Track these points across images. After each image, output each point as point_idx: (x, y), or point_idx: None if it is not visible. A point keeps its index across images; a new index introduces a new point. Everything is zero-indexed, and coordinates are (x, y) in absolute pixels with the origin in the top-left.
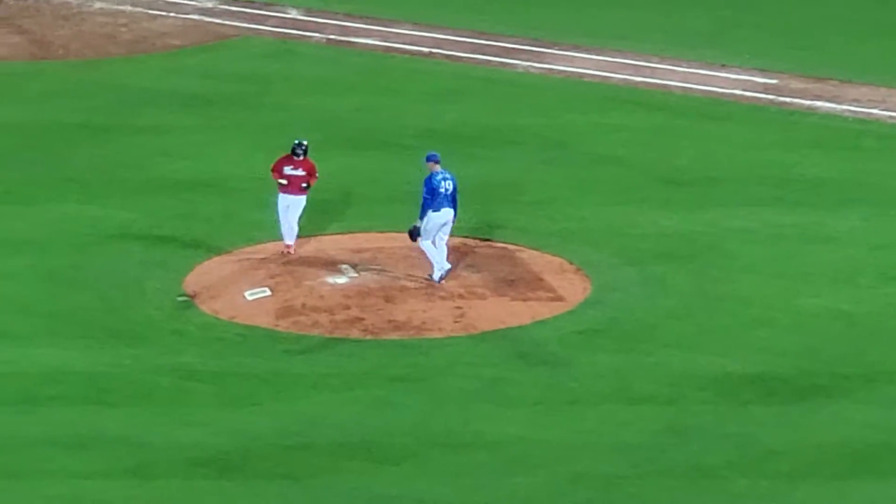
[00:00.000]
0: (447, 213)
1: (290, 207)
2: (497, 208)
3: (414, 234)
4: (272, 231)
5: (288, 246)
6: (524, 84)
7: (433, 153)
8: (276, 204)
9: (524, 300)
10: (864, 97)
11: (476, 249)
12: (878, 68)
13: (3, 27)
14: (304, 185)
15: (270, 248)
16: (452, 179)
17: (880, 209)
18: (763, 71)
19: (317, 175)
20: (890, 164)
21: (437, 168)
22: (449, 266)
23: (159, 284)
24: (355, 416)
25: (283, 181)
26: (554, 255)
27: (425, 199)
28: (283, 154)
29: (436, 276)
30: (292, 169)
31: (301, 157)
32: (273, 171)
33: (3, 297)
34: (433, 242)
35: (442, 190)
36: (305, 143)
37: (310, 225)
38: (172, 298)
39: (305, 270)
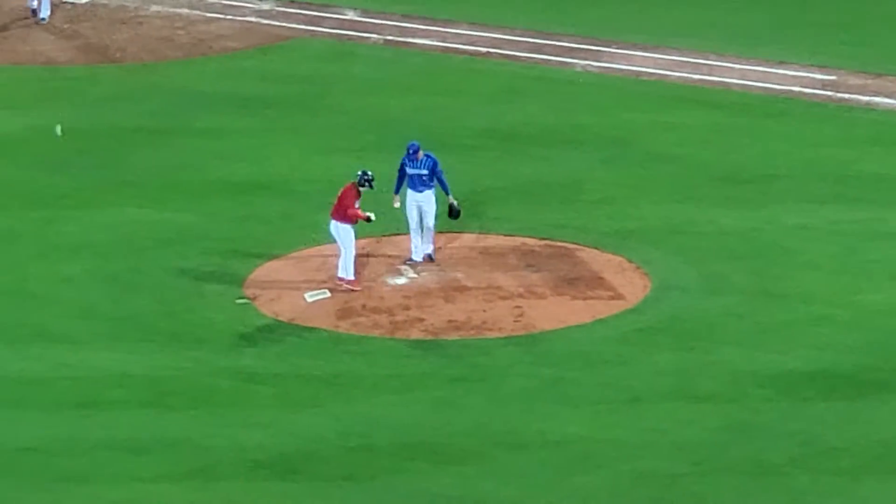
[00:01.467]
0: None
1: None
2: (556, 208)
3: (454, 212)
4: (330, 233)
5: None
6: (582, 83)
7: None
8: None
9: (584, 299)
10: None
11: (535, 249)
12: None
13: (60, 33)
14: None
15: (329, 249)
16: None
17: None
18: (821, 67)
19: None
20: None
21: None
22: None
23: (219, 287)
24: (416, 417)
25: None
26: (614, 253)
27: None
28: (350, 186)
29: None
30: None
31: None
32: (352, 210)
33: (63, 302)
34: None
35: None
36: (370, 173)
37: (369, 225)
38: (232, 301)
39: (365, 271)
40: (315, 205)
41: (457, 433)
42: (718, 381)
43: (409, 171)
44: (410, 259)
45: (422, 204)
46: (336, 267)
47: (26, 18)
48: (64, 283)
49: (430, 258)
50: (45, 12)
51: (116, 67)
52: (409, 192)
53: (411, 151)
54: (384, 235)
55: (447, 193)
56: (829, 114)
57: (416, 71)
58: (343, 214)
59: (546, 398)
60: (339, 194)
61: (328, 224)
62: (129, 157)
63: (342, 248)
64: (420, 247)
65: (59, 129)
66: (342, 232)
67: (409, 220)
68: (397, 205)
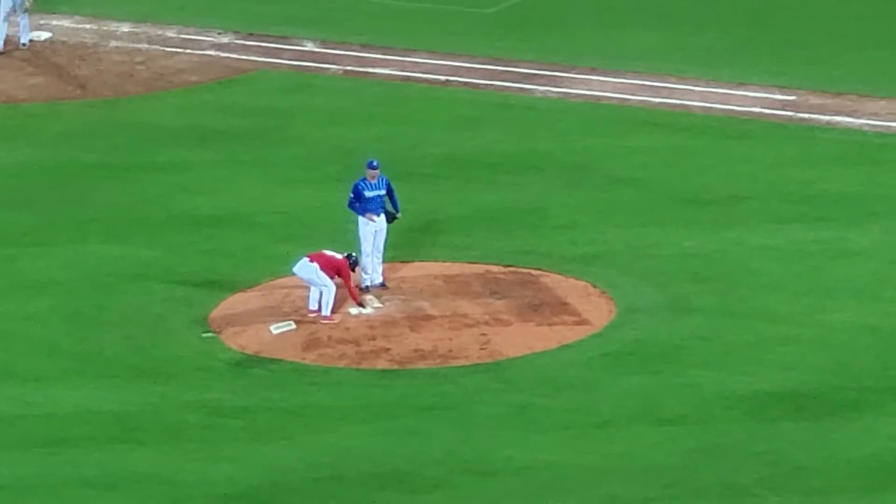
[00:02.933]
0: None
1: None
2: (519, 234)
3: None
4: (295, 264)
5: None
6: (542, 109)
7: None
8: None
9: (549, 325)
10: (883, 111)
11: (500, 276)
12: None
13: (20, 69)
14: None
15: (293, 281)
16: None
17: None
18: (781, 88)
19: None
20: None
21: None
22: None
23: (184, 321)
24: (385, 447)
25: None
26: (578, 278)
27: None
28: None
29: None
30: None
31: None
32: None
33: (28, 339)
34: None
35: (370, 194)
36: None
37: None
38: (198, 335)
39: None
40: (279, 237)
41: (425, 462)
42: (686, 404)
43: (368, 193)
44: (366, 286)
45: (378, 228)
46: (312, 300)
47: None
48: (28, 320)
49: (383, 285)
50: (25, 38)
51: (77, 103)
52: (368, 215)
53: (373, 166)
54: None
55: (396, 210)
56: (790, 134)
57: (376, 100)
58: (329, 271)
59: (514, 425)
60: (335, 261)
61: (304, 264)
62: (92, 193)
63: (323, 287)
64: (372, 273)
65: None
66: (322, 276)
67: (364, 244)
68: (377, 218)
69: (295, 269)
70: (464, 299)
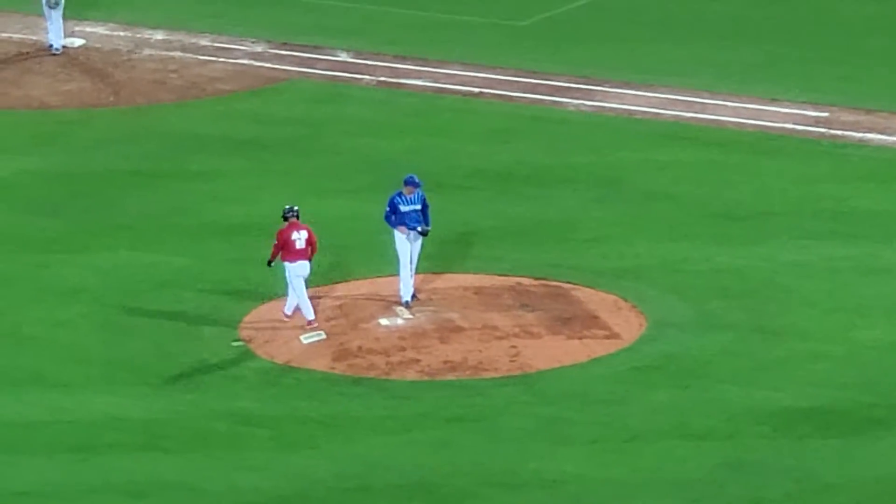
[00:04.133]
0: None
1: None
2: (551, 247)
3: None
4: (327, 274)
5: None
6: (575, 122)
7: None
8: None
9: (579, 338)
10: None
11: (530, 289)
12: None
13: (54, 76)
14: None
15: (323, 291)
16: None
17: None
18: (814, 104)
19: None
20: None
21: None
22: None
23: (214, 330)
24: (413, 458)
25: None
26: (608, 292)
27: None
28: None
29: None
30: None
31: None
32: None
33: (58, 346)
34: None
35: (405, 209)
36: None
37: (364, 267)
38: (227, 343)
39: (360, 313)
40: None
41: (454, 474)
42: (714, 419)
43: (403, 207)
44: (406, 302)
45: (414, 242)
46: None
47: (23, 60)
48: (59, 326)
49: (415, 297)
50: (57, 42)
51: (110, 111)
52: (404, 229)
53: (413, 183)
54: (378, 277)
55: (427, 224)
56: (822, 150)
57: (409, 112)
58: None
59: (542, 438)
60: (309, 234)
61: (305, 265)
62: (123, 200)
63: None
64: (409, 287)
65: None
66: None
67: (402, 257)
68: (420, 229)
69: (301, 273)
70: (494, 311)
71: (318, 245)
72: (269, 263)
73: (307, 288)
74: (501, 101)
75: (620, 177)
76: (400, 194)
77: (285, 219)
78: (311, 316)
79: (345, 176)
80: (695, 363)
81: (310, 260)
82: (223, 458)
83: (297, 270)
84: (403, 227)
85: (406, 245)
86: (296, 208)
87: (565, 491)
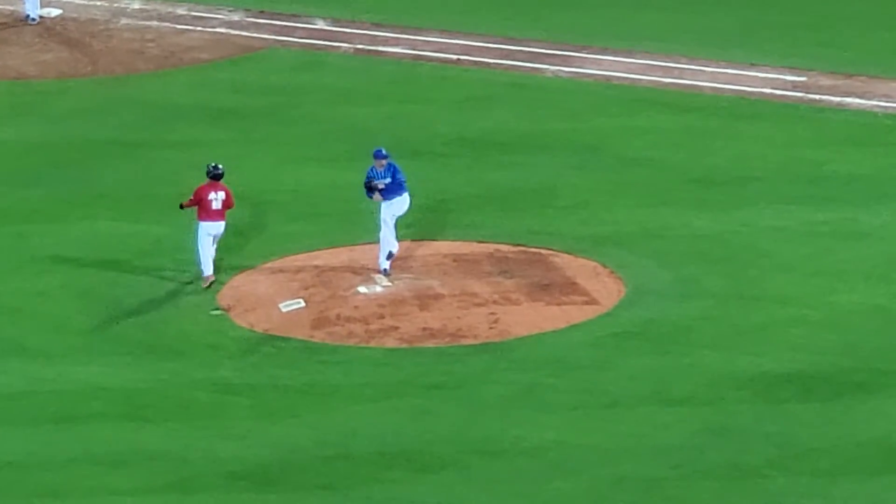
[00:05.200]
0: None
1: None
2: (529, 214)
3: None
4: (306, 242)
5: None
6: (553, 89)
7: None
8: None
9: (558, 305)
10: (894, 92)
11: (509, 255)
12: None
13: (30, 46)
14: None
15: (303, 260)
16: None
17: None
18: (792, 69)
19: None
20: None
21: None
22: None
23: (193, 299)
24: (393, 426)
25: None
26: (587, 258)
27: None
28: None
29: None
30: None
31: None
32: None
33: (38, 316)
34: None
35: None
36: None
37: (343, 235)
38: (207, 312)
39: (339, 281)
40: (289, 215)
41: (434, 441)
42: (695, 385)
43: (376, 182)
44: (385, 271)
45: (396, 211)
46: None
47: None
48: (39, 296)
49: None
50: (34, 12)
51: (88, 80)
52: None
53: (378, 156)
54: (357, 245)
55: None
56: (800, 115)
57: (387, 79)
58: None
59: (522, 404)
60: (227, 195)
61: (219, 225)
62: (102, 170)
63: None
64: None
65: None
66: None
67: (383, 227)
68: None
69: (211, 231)
70: (473, 278)
71: (233, 202)
72: (181, 206)
73: (214, 245)
74: (479, 67)
75: (599, 143)
76: (373, 168)
77: (207, 174)
78: (208, 272)
79: (323, 144)
80: (674, 329)
81: (223, 221)
82: (204, 427)
83: (209, 230)
84: (377, 195)
85: (389, 215)
86: (220, 168)
87: (546, 457)
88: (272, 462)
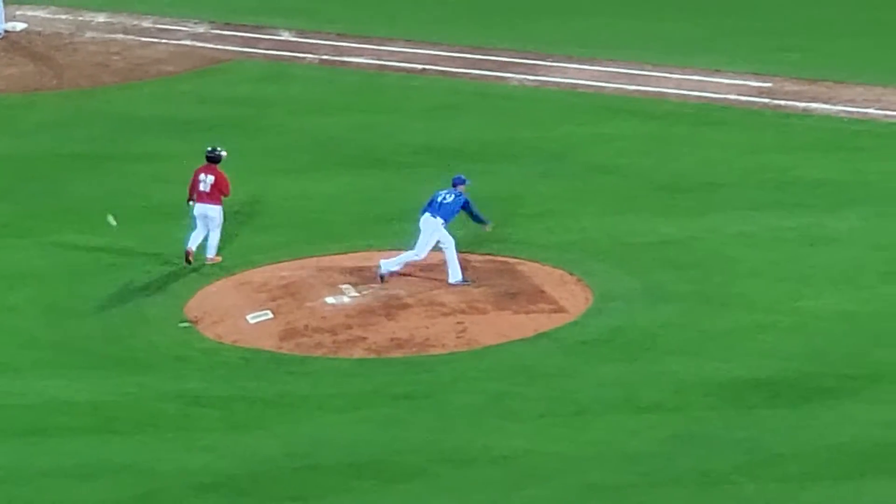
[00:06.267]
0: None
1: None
2: (496, 222)
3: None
4: (273, 253)
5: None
6: (519, 97)
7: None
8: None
9: (526, 313)
10: (860, 97)
11: (476, 264)
12: (872, 68)
13: None
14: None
15: (270, 271)
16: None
17: (879, 208)
18: (757, 75)
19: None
20: (887, 163)
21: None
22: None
23: (161, 311)
24: (362, 436)
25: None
26: (554, 266)
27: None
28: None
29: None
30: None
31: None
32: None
33: (5, 330)
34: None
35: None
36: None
37: (310, 246)
38: (175, 325)
39: (307, 292)
40: (256, 226)
41: (403, 451)
42: (663, 391)
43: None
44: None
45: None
46: (205, 249)
47: None
48: (6, 311)
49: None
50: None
51: (53, 94)
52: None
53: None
54: (324, 255)
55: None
56: (766, 121)
57: (353, 89)
58: (218, 198)
59: (491, 413)
60: (216, 179)
61: (192, 209)
62: (69, 183)
63: (213, 229)
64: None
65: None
66: (217, 213)
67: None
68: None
69: (196, 212)
70: (440, 288)
71: (229, 190)
72: (188, 202)
73: (217, 231)
74: (445, 77)
75: (565, 151)
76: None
77: (206, 158)
78: (190, 245)
79: (290, 155)
80: (642, 336)
81: (215, 204)
82: (173, 439)
83: (197, 210)
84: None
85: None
86: (217, 150)
87: (515, 466)
88: (241, 474)
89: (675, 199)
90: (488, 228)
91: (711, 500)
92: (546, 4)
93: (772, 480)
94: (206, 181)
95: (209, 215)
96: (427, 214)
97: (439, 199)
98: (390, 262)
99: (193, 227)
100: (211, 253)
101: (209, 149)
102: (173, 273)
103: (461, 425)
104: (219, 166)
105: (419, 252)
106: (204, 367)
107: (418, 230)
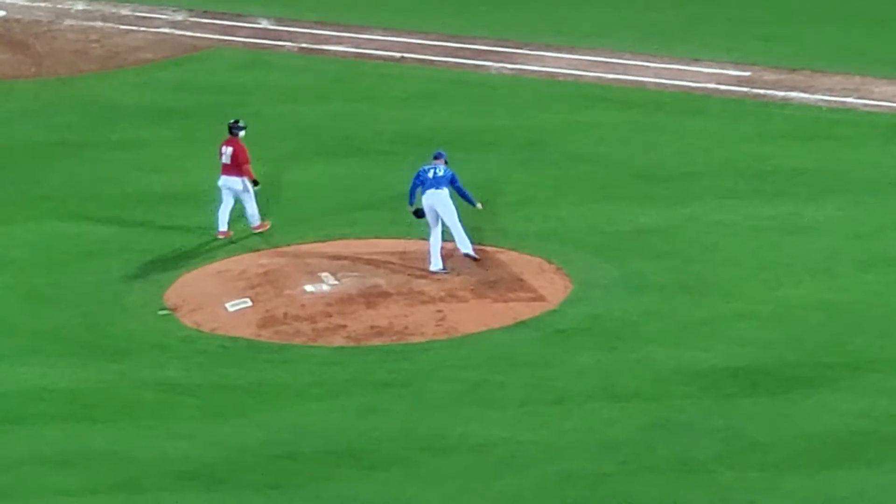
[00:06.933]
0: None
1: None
2: (475, 210)
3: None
4: (251, 242)
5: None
6: (497, 85)
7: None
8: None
9: (505, 301)
10: (838, 86)
11: (455, 252)
12: (850, 57)
13: None
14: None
15: (250, 258)
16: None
17: (857, 197)
18: (736, 64)
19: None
20: (865, 152)
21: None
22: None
23: (140, 299)
24: (341, 424)
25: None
26: (533, 255)
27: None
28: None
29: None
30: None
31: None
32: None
33: None
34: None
35: (430, 175)
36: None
37: (289, 234)
38: (154, 312)
39: (286, 280)
40: (235, 214)
41: (382, 439)
42: (642, 380)
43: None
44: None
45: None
46: (250, 217)
47: None
48: None
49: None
50: None
51: (31, 82)
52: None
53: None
54: (302, 243)
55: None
56: (745, 110)
57: (331, 78)
58: (239, 169)
59: (470, 401)
60: (234, 151)
61: (226, 179)
62: (47, 171)
63: (245, 200)
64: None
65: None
66: (241, 184)
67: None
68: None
69: (220, 183)
70: (419, 276)
71: (245, 160)
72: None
73: (250, 199)
74: (423, 65)
75: (543, 139)
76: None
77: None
78: (219, 228)
79: (268, 143)
80: (621, 324)
81: (237, 176)
82: (151, 426)
83: (221, 181)
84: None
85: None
86: (239, 123)
87: (494, 454)
88: (220, 461)
89: (654, 187)
90: (479, 206)
91: (690, 489)
92: None
93: (750, 469)
94: (227, 153)
95: (232, 187)
96: (432, 190)
97: (431, 173)
98: (462, 244)
99: (220, 202)
100: (255, 222)
101: (231, 121)
102: (153, 261)
103: (440, 413)
104: (241, 138)
105: (454, 225)
106: (183, 355)
107: (429, 211)
